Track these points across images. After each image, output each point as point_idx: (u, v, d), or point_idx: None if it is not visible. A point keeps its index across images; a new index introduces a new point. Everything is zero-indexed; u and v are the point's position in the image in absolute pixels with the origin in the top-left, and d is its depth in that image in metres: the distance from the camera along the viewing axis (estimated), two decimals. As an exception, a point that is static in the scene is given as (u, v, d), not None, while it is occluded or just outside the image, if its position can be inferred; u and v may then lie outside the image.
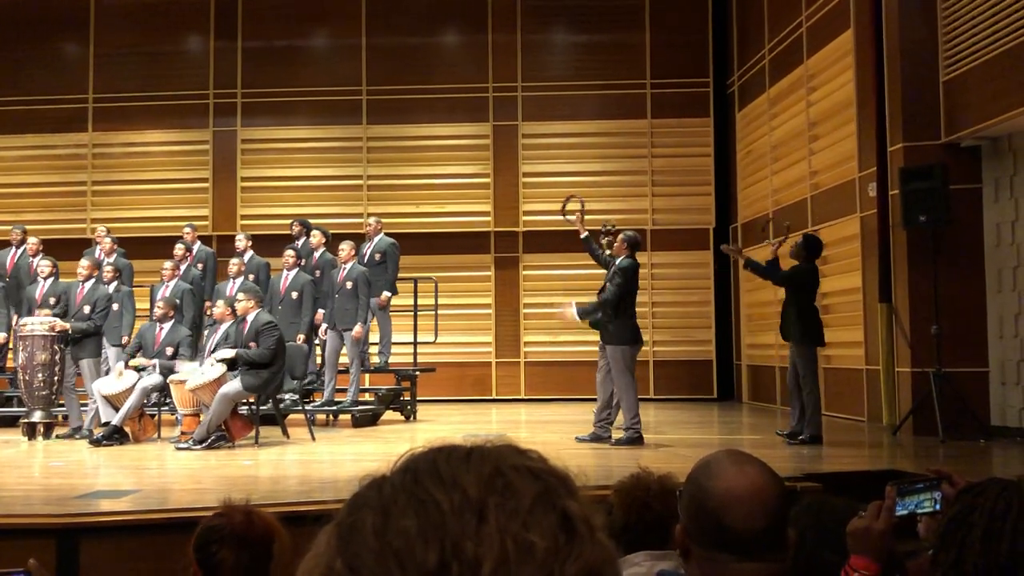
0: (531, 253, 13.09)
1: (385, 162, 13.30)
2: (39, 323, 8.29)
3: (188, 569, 2.22)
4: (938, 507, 1.87)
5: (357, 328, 9.21)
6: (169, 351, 8.28)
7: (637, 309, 8.03)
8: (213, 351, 8.03)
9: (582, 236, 7.97)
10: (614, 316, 7.54)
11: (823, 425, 7.58)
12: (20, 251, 10.30)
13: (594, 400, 7.97)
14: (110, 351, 9.04)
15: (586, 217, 12.67)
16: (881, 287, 8.61)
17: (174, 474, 6.52)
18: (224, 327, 8.19)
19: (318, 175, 13.32)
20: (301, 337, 9.17)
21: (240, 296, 8.04)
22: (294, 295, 9.38)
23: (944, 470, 1.98)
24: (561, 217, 8.31)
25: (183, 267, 9.79)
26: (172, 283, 9.33)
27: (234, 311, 8.16)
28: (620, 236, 7.83)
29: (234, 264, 9.58)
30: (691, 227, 13.06)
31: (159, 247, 10.97)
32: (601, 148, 13.22)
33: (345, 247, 9.45)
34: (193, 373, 7.83)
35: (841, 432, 8.55)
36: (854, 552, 1.84)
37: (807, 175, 10.64)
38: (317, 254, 9.96)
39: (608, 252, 7.87)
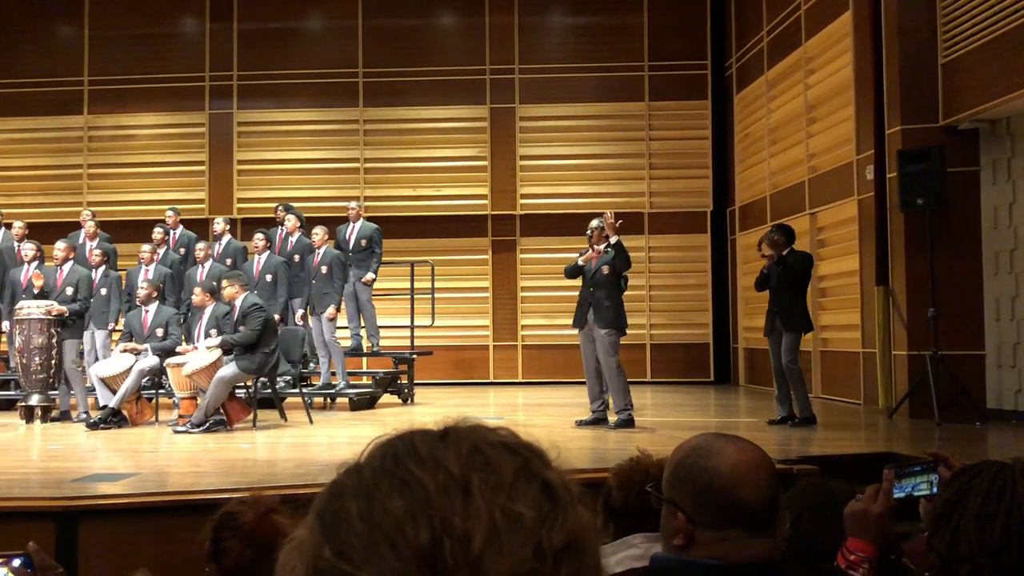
0: (528, 236, 13.08)
1: (381, 145, 13.26)
2: (36, 307, 8.28)
3: (204, 544, 2.26)
4: (935, 490, 1.88)
5: (330, 310, 9.24)
6: (159, 332, 8.27)
7: (635, 291, 8.04)
8: (204, 335, 8.04)
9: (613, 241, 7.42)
10: (616, 297, 7.49)
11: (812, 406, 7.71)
12: (1, 234, 10.23)
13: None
14: (98, 335, 9.03)
15: (584, 201, 12.78)
16: (878, 270, 8.61)
17: (172, 457, 6.53)
18: (208, 311, 8.19)
19: (314, 158, 13.28)
20: (276, 317, 9.16)
21: (225, 283, 8.03)
22: (268, 277, 9.39)
23: (941, 453, 1.99)
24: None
25: (162, 251, 9.76)
26: (152, 267, 9.32)
27: (212, 295, 8.17)
28: (597, 226, 7.51)
29: (200, 249, 9.52)
30: (688, 210, 13.05)
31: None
32: (598, 131, 13.19)
33: (319, 232, 9.45)
34: (190, 358, 7.83)
35: (837, 415, 8.57)
36: (851, 535, 1.85)
37: (804, 158, 10.63)
38: (293, 239, 9.93)
39: (595, 248, 7.56)
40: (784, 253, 7.66)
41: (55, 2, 13.44)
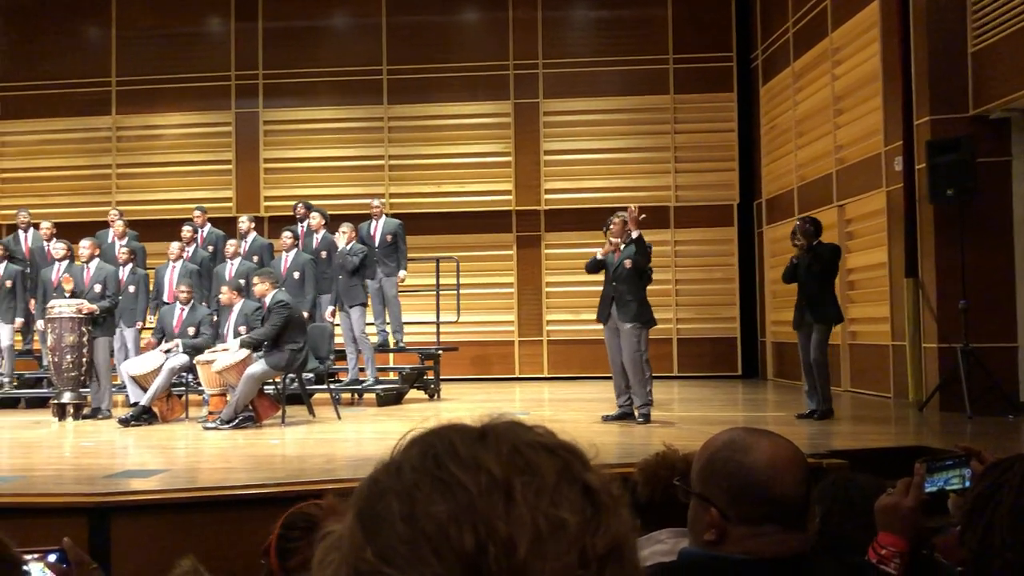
0: (553, 232, 13.06)
1: (406, 142, 13.30)
2: (67, 305, 8.39)
3: (267, 538, 2.25)
4: (967, 484, 1.86)
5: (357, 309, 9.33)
6: (191, 331, 8.36)
7: (661, 286, 8.00)
8: (234, 333, 8.12)
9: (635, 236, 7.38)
10: (639, 292, 7.45)
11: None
12: (31, 235, 10.41)
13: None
14: (127, 333, 9.13)
15: (609, 195, 12.74)
16: (907, 262, 8.52)
17: (202, 453, 6.60)
18: (236, 309, 8.25)
19: (339, 155, 13.34)
20: (305, 314, 9.22)
21: (256, 280, 8.10)
22: (296, 275, 9.44)
23: (973, 447, 1.97)
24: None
25: (191, 249, 9.85)
26: (179, 264, 9.41)
27: (240, 293, 8.23)
28: (619, 219, 7.48)
29: (231, 245, 9.61)
30: (715, 203, 12.97)
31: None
32: (623, 125, 13.14)
33: (346, 229, 9.48)
34: (219, 354, 7.91)
35: (867, 408, 8.49)
36: (882, 529, 1.83)
37: (832, 150, 10.53)
38: (318, 236, 9.98)
39: (612, 241, 7.49)
40: (813, 244, 7.59)
41: (82, 4, 13.59)
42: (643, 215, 7.50)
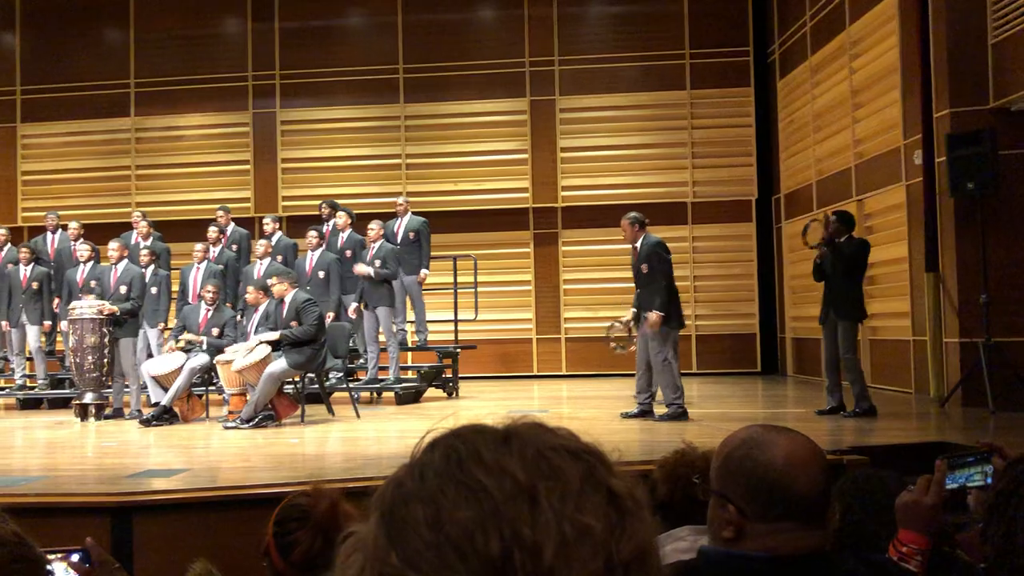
0: (570, 229, 13.05)
1: (422, 140, 13.32)
2: (88, 306, 8.46)
3: (264, 539, 2.25)
4: (989, 480, 1.84)
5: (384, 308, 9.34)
6: (215, 332, 8.41)
7: (680, 282, 7.99)
8: (255, 332, 8.16)
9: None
10: (664, 293, 7.46)
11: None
12: (57, 236, 10.53)
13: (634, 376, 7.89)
14: (150, 333, 9.20)
15: (626, 192, 12.72)
16: (928, 256, 8.45)
17: (223, 453, 6.64)
18: (263, 308, 8.30)
19: (357, 155, 13.38)
20: (331, 315, 9.25)
21: (274, 280, 8.14)
22: (321, 274, 9.46)
23: (995, 443, 1.95)
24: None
25: (216, 249, 9.90)
26: (203, 265, 9.46)
27: (267, 293, 8.28)
28: (626, 222, 7.61)
29: (261, 245, 9.64)
30: (733, 199, 12.91)
31: (203, 230, 11.06)
32: (640, 121, 13.10)
33: (374, 227, 9.50)
34: (239, 354, 7.95)
35: (888, 404, 8.43)
36: (903, 526, 1.82)
37: (851, 144, 10.46)
38: (344, 235, 10.00)
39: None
40: (842, 240, 7.48)
41: (102, 6, 13.69)
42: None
